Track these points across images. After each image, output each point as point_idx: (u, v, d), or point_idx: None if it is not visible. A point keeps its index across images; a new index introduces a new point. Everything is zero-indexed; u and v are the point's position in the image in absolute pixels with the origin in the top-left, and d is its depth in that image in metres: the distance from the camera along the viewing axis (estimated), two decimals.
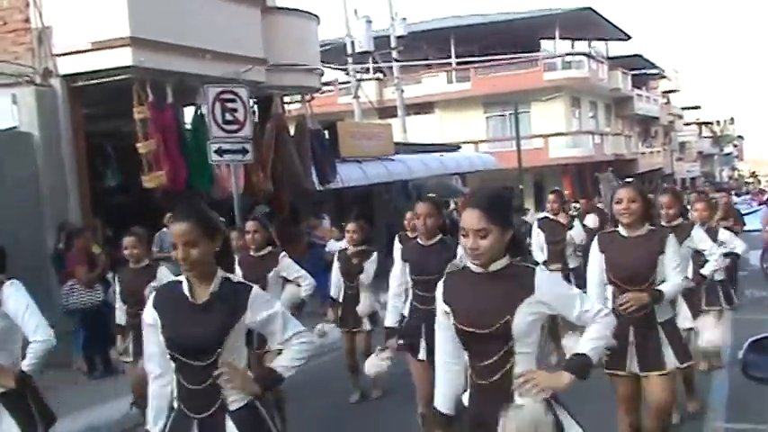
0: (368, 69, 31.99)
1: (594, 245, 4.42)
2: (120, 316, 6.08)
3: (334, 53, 25.22)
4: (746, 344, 2.52)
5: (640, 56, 42.35)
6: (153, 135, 10.38)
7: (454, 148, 24.20)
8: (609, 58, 38.82)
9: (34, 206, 9.79)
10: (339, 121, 18.10)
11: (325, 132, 15.28)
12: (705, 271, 5.95)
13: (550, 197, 8.50)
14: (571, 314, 2.83)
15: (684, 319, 5.21)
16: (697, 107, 64.47)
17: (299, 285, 6.18)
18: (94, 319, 8.75)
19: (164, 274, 5.75)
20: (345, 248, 7.34)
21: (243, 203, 10.20)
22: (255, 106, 12.44)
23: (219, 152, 9.49)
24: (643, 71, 40.36)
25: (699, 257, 5.95)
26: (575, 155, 32.45)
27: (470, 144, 29.84)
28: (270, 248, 6.08)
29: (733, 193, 20.58)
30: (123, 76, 10.10)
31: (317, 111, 15.11)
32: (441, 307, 2.90)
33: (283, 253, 6.20)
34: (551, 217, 8.37)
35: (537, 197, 30.23)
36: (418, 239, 5.16)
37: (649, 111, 44.35)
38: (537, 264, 7.13)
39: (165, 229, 10.28)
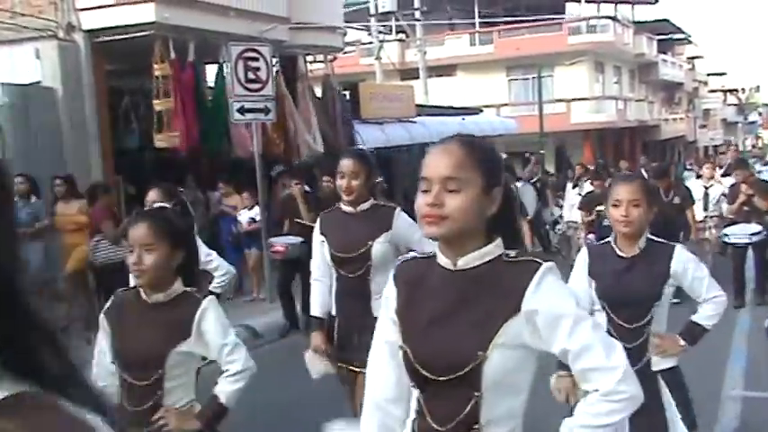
0: (390, 30, 31.68)
1: (581, 261, 3.28)
2: None
3: (358, 13, 24.95)
4: None
5: (667, 20, 41.52)
6: (172, 93, 10.39)
7: (476, 111, 23.97)
8: (635, 23, 38.13)
9: (57, 161, 9.85)
10: (361, 82, 17.98)
11: (345, 94, 15.16)
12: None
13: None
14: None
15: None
16: (722, 74, 63.37)
17: None
18: (120, 277, 8.81)
19: None
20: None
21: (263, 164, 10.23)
22: (278, 66, 12.39)
23: (242, 111, 9.48)
24: (669, 36, 39.60)
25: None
26: (597, 120, 32.06)
27: (492, 108, 29.54)
28: None
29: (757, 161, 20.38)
30: (146, 33, 10.07)
31: (338, 72, 14.99)
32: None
33: None
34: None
35: (558, 162, 30.02)
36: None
37: (674, 77, 43.60)
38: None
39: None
